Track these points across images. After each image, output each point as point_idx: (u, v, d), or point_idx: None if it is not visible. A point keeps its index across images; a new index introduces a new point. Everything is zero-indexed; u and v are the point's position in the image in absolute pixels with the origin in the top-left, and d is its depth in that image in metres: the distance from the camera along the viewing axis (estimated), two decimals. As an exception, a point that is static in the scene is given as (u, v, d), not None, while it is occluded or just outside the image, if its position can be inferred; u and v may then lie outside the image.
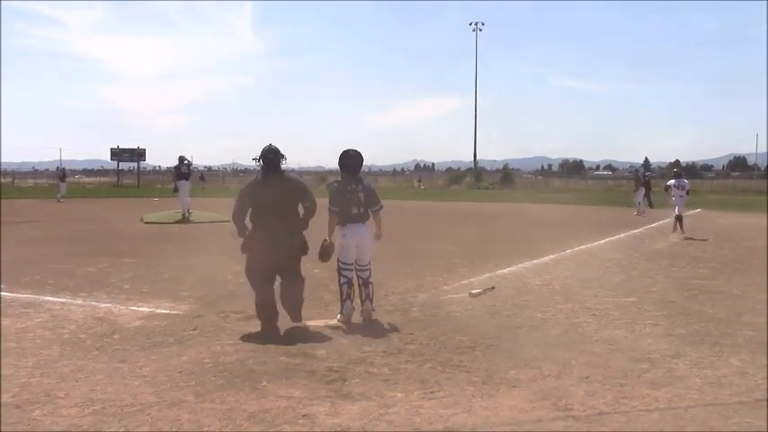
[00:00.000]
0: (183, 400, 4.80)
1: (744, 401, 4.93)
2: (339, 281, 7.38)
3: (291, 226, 7.07)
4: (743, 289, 9.67)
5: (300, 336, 6.71)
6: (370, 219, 7.50)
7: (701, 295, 9.15)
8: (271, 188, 7.03)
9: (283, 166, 7.18)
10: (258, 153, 7.15)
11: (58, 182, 38.44)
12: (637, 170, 35.17)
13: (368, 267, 7.49)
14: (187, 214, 21.76)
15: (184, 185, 22.12)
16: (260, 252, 6.98)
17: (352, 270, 7.40)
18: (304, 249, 7.19)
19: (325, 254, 7.36)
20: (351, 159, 7.51)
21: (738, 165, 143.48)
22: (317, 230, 7.34)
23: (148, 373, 5.46)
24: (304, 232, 7.17)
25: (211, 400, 4.81)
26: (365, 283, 7.45)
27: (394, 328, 7.03)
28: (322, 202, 7.29)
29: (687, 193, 19.25)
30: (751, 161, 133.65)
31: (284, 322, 7.02)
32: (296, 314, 7.16)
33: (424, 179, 77.99)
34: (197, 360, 5.83)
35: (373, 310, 7.45)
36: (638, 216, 25.49)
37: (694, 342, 6.61)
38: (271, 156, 7.09)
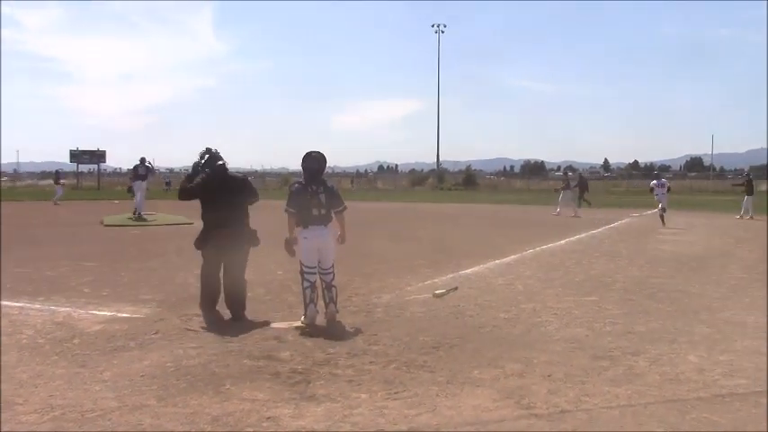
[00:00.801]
0: (145, 405, 4.75)
1: (701, 397, 5.03)
2: (302, 284, 7.35)
3: (238, 221, 7.60)
4: (699, 287, 9.86)
5: (264, 338, 6.68)
6: (333, 221, 7.47)
7: (659, 294, 9.31)
8: (218, 188, 7.58)
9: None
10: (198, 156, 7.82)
11: (53, 185, 38.07)
12: (565, 172, 36.01)
13: (331, 271, 7.46)
14: (142, 214, 22.27)
15: (139, 186, 22.88)
16: (209, 246, 7.55)
17: (314, 273, 7.36)
18: (253, 242, 7.73)
19: (287, 248, 7.44)
20: (313, 161, 7.46)
21: (695, 165, 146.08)
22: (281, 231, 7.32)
23: (109, 377, 5.38)
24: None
25: (174, 404, 4.76)
26: (328, 287, 7.42)
27: (358, 330, 7.04)
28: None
29: (668, 190, 23.02)
30: (707, 162, 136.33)
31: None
32: (238, 309, 7.53)
33: (385, 180, 78.01)
34: (159, 364, 5.76)
35: (337, 312, 7.43)
36: (567, 216, 25.99)
37: (653, 339, 6.72)
38: (210, 157, 7.74)
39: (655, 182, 23.13)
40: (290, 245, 7.44)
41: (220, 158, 7.78)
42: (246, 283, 7.72)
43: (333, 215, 7.43)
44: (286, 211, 7.38)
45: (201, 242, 7.67)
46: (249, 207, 7.87)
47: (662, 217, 21.43)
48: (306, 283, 7.29)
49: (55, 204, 33.01)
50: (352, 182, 75.10)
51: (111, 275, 10.51)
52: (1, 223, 18.47)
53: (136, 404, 4.76)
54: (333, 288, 7.43)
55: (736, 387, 5.26)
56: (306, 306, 7.29)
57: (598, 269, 11.71)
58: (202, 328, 7.09)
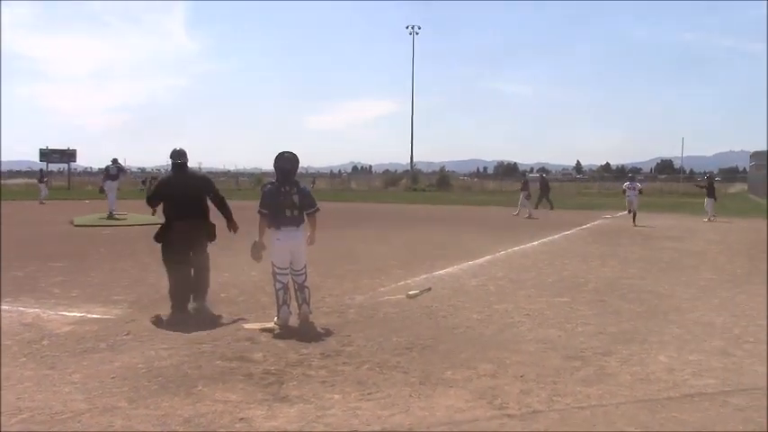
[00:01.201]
0: (115, 407, 4.70)
1: (671, 397, 5.09)
2: (275, 286, 7.32)
3: (196, 214, 7.89)
4: (669, 288, 9.98)
5: (237, 339, 6.64)
6: (306, 223, 7.45)
7: (630, 294, 9.41)
8: (179, 184, 7.98)
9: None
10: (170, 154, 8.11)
11: (38, 184, 37.79)
12: (524, 174, 36.56)
13: (303, 272, 7.44)
14: (114, 214, 22.33)
15: (110, 186, 23.14)
16: (171, 241, 7.80)
17: (287, 275, 7.34)
18: (211, 236, 8.00)
19: (254, 253, 7.43)
20: (286, 161, 7.43)
21: (665, 168, 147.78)
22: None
23: (79, 379, 5.32)
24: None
25: (145, 406, 4.72)
26: (300, 288, 7.40)
27: (331, 331, 7.02)
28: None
29: (640, 192, 24.63)
30: (677, 164, 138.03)
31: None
32: (200, 300, 7.84)
33: (358, 181, 77.90)
34: (130, 365, 5.71)
35: (310, 313, 7.41)
36: (517, 216, 26.51)
37: (624, 340, 6.79)
38: (177, 156, 8.07)
39: (627, 183, 24.83)
40: (257, 249, 7.43)
41: (179, 158, 8.07)
42: (209, 272, 7.99)
43: (305, 216, 7.41)
44: (259, 212, 7.35)
45: (160, 235, 7.92)
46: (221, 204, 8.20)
47: (633, 215, 23.18)
48: (278, 285, 7.27)
49: (41, 204, 32.69)
50: (313, 182, 74.43)
51: (81, 276, 10.39)
52: (1, 223, 18.23)
53: (106, 406, 4.71)
54: (305, 289, 7.41)
55: (705, 387, 5.34)
56: (279, 307, 7.26)
57: (570, 270, 11.81)
58: (174, 327, 7.03)
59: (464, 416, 4.63)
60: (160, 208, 8.12)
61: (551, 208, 30.85)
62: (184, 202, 7.83)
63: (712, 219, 25.37)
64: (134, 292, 9.02)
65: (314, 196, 7.57)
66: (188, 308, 7.75)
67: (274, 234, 7.29)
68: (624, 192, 24.49)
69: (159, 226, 7.97)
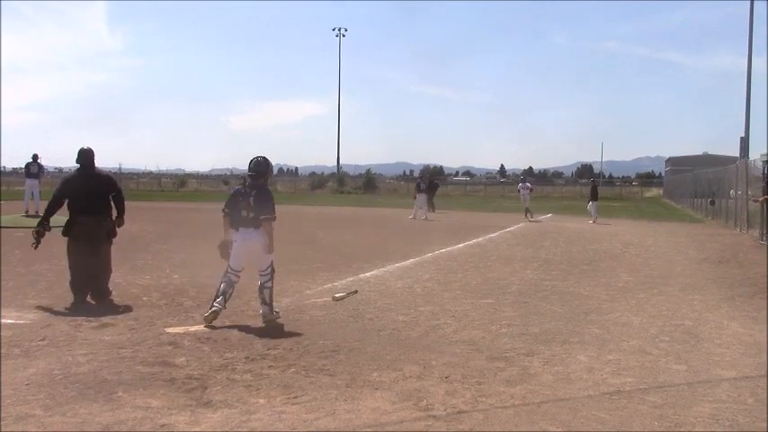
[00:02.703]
0: (30, 415, 4.52)
1: (591, 395, 5.22)
2: (220, 279, 7.44)
3: (98, 211, 8.36)
4: (590, 290, 10.25)
5: (158, 343, 6.48)
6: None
7: (552, 296, 9.62)
8: (82, 183, 8.40)
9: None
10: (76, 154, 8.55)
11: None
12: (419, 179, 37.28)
13: (266, 273, 7.50)
14: (32, 213, 21.55)
15: (30, 184, 22.58)
16: (75, 236, 8.31)
17: (237, 276, 7.45)
18: (111, 234, 8.50)
19: (221, 251, 7.59)
20: (253, 165, 7.62)
21: (585, 172, 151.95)
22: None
23: (-9, 387, 5.09)
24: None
25: (62, 413, 4.55)
26: (260, 288, 7.46)
27: (256, 334, 6.94)
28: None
29: (531, 191, 29.39)
30: (596, 169, 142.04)
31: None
32: (98, 295, 8.25)
33: (284, 183, 77.32)
34: (46, 371, 5.50)
35: (275, 313, 7.47)
36: (414, 219, 26.77)
37: (546, 340, 6.94)
38: (82, 156, 8.52)
39: (521, 184, 29.29)
40: (223, 247, 7.54)
41: (83, 158, 8.53)
42: (110, 267, 8.51)
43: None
44: (222, 211, 7.59)
45: (66, 229, 8.42)
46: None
47: (527, 212, 27.58)
48: (223, 279, 7.41)
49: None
50: (225, 183, 73.21)
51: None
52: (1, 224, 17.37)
53: (20, 414, 4.52)
54: (265, 290, 7.43)
55: (623, 385, 5.50)
56: (212, 299, 7.36)
57: (495, 272, 11.99)
58: (92, 332, 6.82)
59: (390, 418, 4.63)
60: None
61: (432, 210, 31.48)
62: (87, 200, 8.29)
63: (596, 221, 26.78)
64: (50, 296, 8.70)
65: (274, 203, 7.55)
66: (87, 299, 8.19)
67: (234, 234, 7.43)
68: (519, 191, 28.64)
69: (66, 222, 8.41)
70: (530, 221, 26.63)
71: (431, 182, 33.94)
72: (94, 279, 8.29)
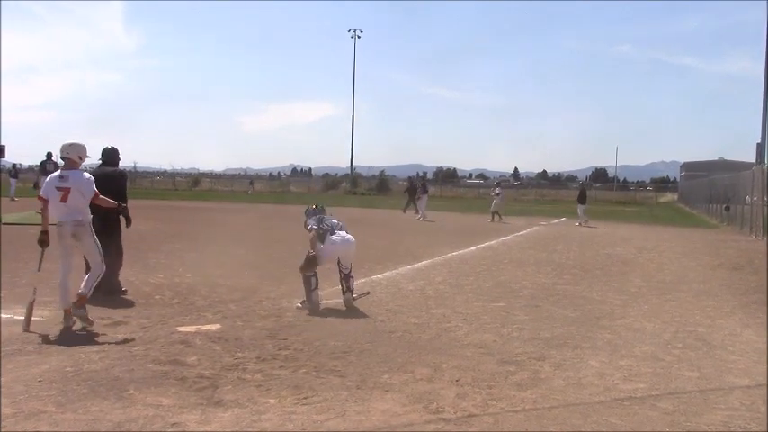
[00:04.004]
0: (42, 411, 4.55)
1: (602, 401, 5.20)
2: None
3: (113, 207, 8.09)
4: (602, 294, 10.21)
5: (170, 342, 6.51)
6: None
7: (564, 300, 9.58)
8: (101, 178, 8.16)
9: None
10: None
11: (9, 179, 36.23)
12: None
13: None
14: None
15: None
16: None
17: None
18: (128, 221, 8.60)
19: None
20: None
21: (600, 176, 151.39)
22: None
23: (4, 382, 5.11)
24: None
25: (74, 410, 4.58)
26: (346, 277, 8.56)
27: (268, 334, 6.95)
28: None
29: (498, 195, 29.31)
30: (611, 173, 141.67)
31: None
32: (110, 291, 8.49)
33: (298, 184, 77.76)
34: (58, 368, 5.53)
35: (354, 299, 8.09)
36: (422, 220, 27.69)
37: (558, 345, 6.91)
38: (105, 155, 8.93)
39: (498, 190, 30.02)
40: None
41: (105, 158, 8.93)
42: (120, 261, 8.79)
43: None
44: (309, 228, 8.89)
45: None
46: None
47: (494, 215, 28.21)
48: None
49: (12, 200, 31.53)
50: (251, 183, 74.39)
51: (7, 277, 10.02)
52: (1, 226, 17.48)
53: (33, 410, 4.55)
54: (350, 278, 8.58)
55: (635, 391, 5.47)
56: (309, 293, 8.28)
57: (506, 276, 11.96)
58: (105, 330, 6.86)
59: (400, 420, 4.63)
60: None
61: (405, 212, 32.20)
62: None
63: (583, 223, 27.20)
64: (64, 293, 8.73)
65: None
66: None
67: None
68: (498, 194, 29.21)
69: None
70: (492, 222, 27.47)
71: (412, 185, 34.75)
72: (108, 269, 7.90)
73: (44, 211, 7.17)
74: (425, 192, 29.67)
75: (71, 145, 7.35)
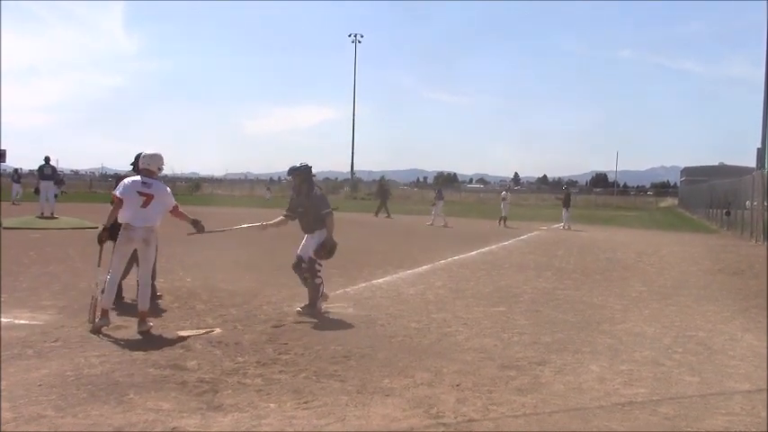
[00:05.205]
0: (42, 415, 4.54)
1: (603, 406, 5.19)
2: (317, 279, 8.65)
3: None
4: (602, 299, 10.20)
5: (170, 346, 6.50)
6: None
7: (564, 305, 9.58)
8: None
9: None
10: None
11: (11, 183, 36.56)
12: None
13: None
14: (47, 215, 21.69)
15: (45, 186, 22.35)
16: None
17: None
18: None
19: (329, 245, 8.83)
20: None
21: (600, 181, 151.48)
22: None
23: (4, 387, 5.11)
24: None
25: (74, 415, 4.58)
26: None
27: (268, 338, 6.95)
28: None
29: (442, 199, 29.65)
30: (611, 178, 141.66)
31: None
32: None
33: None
34: (58, 373, 5.53)
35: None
36: (431, 225, 27.85)
37: (558, 350, 6.90)
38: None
39: (504, 193, 30.70)
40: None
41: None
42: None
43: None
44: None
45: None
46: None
47: (502, 220, 28.71)
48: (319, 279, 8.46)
49: (14, 204, 31.64)
50: (268, 188, 74.59)
51: (8, 281, 10.02)
52: (1, 227, 17.54)
53: (32, 415, 4.54)
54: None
55: (636, 395, 5.46)
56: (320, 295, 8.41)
57: (507, 280, 11.96)
58: (105, 334, 6.85)
59: (400, 425, 4.62)
60: None
61: (387, 215, 32.50)
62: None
63: (567, 227, 27.68)
64: (64, 297, 8.75)
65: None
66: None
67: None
68: (504, 199, 29.84)
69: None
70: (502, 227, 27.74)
71: (383, 188, 36.36)
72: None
73: (115, 210, 7.17)
74: (441, 198, 29.75)
75: (151, 156, 7.41)
